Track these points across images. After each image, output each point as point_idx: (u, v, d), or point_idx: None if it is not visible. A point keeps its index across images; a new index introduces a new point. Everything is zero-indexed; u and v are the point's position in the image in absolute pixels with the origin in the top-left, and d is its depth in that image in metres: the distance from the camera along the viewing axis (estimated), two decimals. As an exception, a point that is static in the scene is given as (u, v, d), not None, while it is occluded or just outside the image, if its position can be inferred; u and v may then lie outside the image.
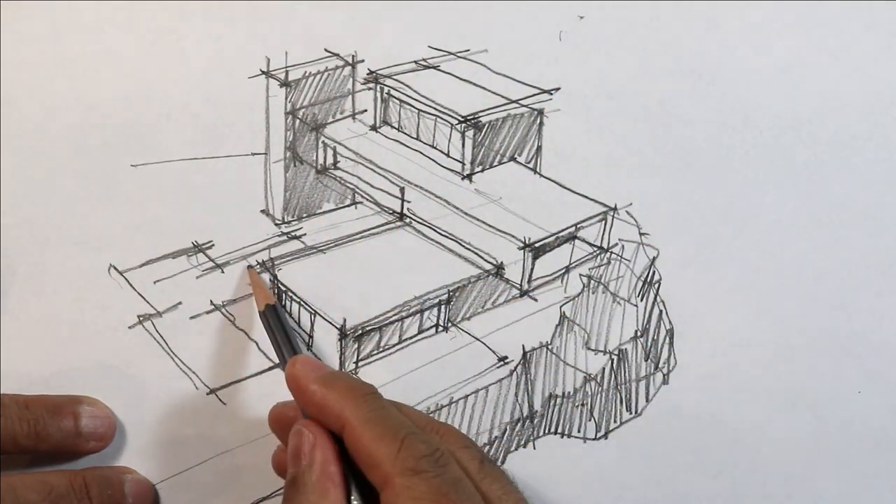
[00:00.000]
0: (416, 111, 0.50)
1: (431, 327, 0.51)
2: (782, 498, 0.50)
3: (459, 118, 0.49)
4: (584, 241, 0.50)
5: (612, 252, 0.50)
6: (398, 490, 0.37)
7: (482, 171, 0.50)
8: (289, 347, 0.46)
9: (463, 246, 0.50)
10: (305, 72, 0.49)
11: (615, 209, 0.50)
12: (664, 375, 0.51)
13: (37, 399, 0.46)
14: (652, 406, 0.51)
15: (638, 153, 0.49)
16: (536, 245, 0.50)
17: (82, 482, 0.46)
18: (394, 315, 0.50)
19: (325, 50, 0.48)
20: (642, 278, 0.50)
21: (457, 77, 0.49)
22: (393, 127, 0.51)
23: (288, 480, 0.40)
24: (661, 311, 0.50)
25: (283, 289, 0.50)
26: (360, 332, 0.49)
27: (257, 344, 0.50)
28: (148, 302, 0.49)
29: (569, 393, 0.51)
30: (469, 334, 0.51)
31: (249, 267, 0.49)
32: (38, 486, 0.45)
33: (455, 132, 0.49)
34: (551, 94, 0.49)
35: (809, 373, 0.50)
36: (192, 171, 0.48)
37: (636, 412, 0.51)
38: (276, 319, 0.46)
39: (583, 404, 0.51)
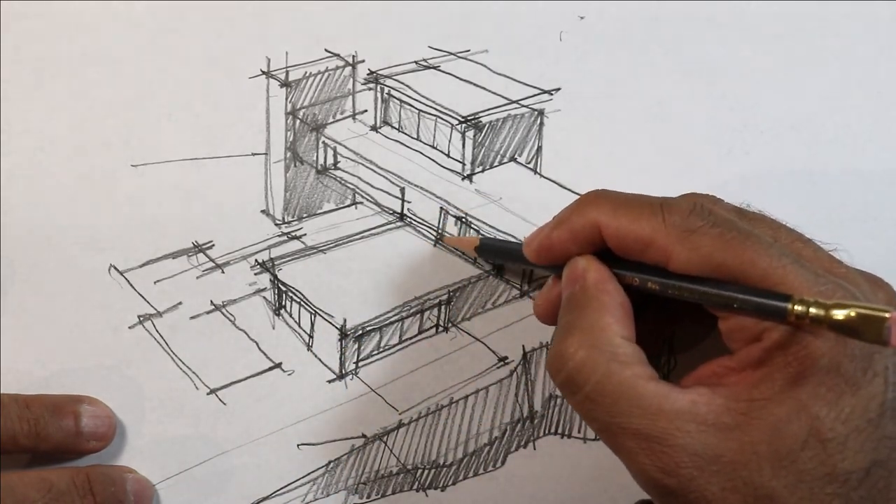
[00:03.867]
0: (417, 111, 0.50)
1: (431, 327, 0.51)
2: (782, 498, 0.50)
3: (460, 118, 0.49)
4: (584, 241, 0.50)
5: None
6: (683, 257, 0.37)
7: (482, 171, 0.50)
8: (515, 246, 0.45)
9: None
10: (306, 72, 0.49)
11: (615, 209, 0.50)
12: (664, 376, 0.51)
13: (37, 398, 0.46)
14: (652, 406, 0.51)
15: (638, 153, 0.49)
16: (536, 245, 0.50)
17: (85, 479, 0.46)
18: (394, 315, 0.50)
19: (326, 50, 0.48)
20: (642, 278, 0.50)
21: (457, 77, 0.49)
22: (393, 127, 0.51)
23: (563, 304, 0.40)
24: (661, 311, 0.50)
25: (284, 289, 0.50)
26: (360, 332, 0.49)
27: (257, 344, 0.50)
28: (148, 302, 0.49)
29: (569, 393, 0.51)
30: (469, 334, 0.51)
31: (447, 235, 0.49)
32: (38, 483, 0.45)
33: (455, 132, 0.50)
34: (551, 94, 0.49)
35: (809, 373, 0.50)
36: (192, 171, 0.48)
37: (636, 412, 0.51)
38: (492, 246, 0.47)
39: (583, 404, 0.51)
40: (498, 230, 0.50)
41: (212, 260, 0.49)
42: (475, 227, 0.50)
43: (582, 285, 0.39)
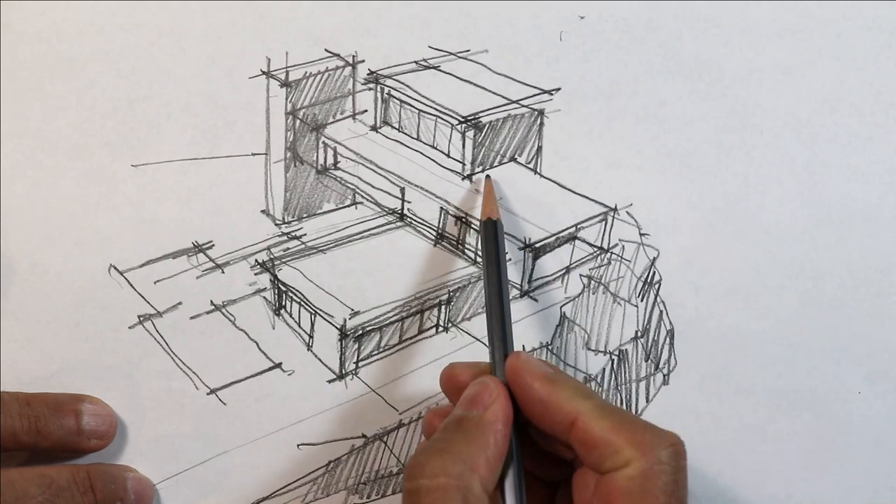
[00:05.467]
0: (417, 111, 0.50)
1: (432, 327, 0.51)
2: (782, 498, 0.50)
3: (460, 118, 0.49)
4: (584, 241, 0.50)
5: (612, 252, 0.50)
6: (652, 469, 0.38)
7: (482, 171, 0.50)
8: (502, 284, 0.45)
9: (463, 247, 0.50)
10: (306, 72, 0.49)
11: (615, 209, 0.50)
12: (664, 376, 0.51)
13: (38, 396, 0.46)
14: (652, 406, 0.51)
15: (638, 153, 0.49)
16: (536, 245, 0.50)
17: (86, 475, 0.46)
18: (394, 315, 0.50)
19: (326, 50, 0.48)
20: (642, 279, 0.50)
21: (457, 77, 0.49)
22: (393, 127, 0.51)
23: (451, 419, 0.40)
24: (661, 312, 0.50)
25: (284, 289, 0.50)
26: (360, 332, 0.49)
27: (257, 344, 0.50)
28: (148, 302, 0.49)
29: (569, 393, 0.51)
30: (469, 334, 0.51)
31: (488, 177, 0.49)
32: (38, 479, 0.45)
33: (455, 132, 0.49)
34: (551, 94, 0.49)
35: (809, 373, 0.50)
36: (192, 171, 0.48)
37: (636, 412, 0.51)
38: (494, 237, 0.46)
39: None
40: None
41: (212, 260, 0.49)
42: (475, 227, 0.50)
43: (480, 415, 0.40)
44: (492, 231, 0.46)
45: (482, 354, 0.50)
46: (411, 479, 0.38)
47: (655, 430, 0.39)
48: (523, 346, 0.50)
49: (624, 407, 0.51)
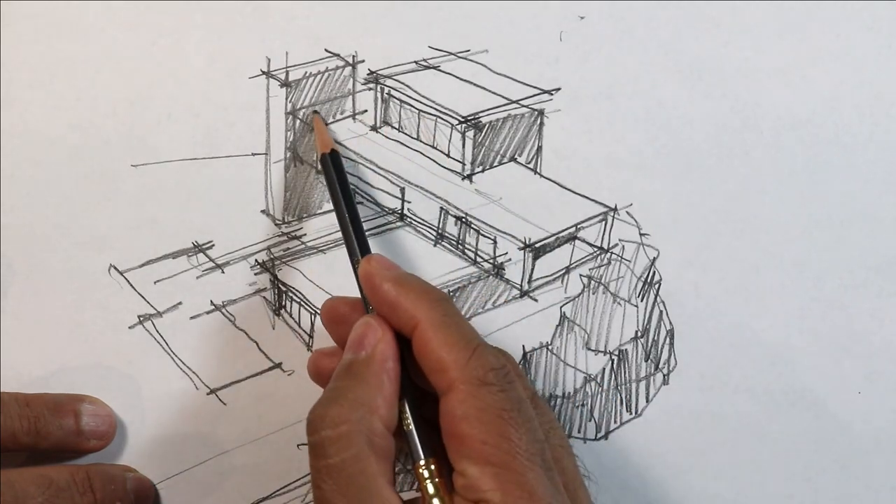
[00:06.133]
0: (417, 111, 0.50)
1: (431, 327, 0.51)
2: (782, 498, 0.50)
3: (460, 118, 0.49)
4: (584, 241, 0.50)
5: (612, 252, 0.50)
6: (463, 396, 0.37)
7: (482, 171, 0.50)
8: (351, 205, 0.45)
9: (463, 246, 0.50)
10: (306, 72, 0.49)
11: (615, 209, 0.50)
12: (664, 376, 0.51)
13: (38, 397, 0.46)
14: (652, 406, 0.51)
15: (638, 153, 0.49)
16: (537, 245, 0.50)
17: (85, 476, 0.46)
18: (394, 315, 0.50)
19: (326, 50, 0.48)
20: (642, 279, 0.50)
21: (457, 77, 0.49)
22: (393, 127, 0.51)
23: (342, 365, 0.40)
24: (661, 312, 0.50)
25: (283, 289, 0.50)
26: (360, 332, 0.49)
27: (257, 344, 0.50)
28: (148, 302, 0.49)
29: (569, 393, 0.51)
30: (469, 334, 0.50)
31: (315, 112, 0.49)
32: (38, 479, 0.44)
33: (455, 132, 0.49)
34: (551, 94, 0.49)
35: (809, 373, 0.50)
36: (192, 171, 0.48)
37: (636, 412, 0.51)
38: (340, 169, 0.46)
39: (583, 405, 0.51)
40: (498, 230, 0.50)
41: (212, 260, 0.49)
42: (475, 227, 0.50)
43: (369, 356, 0.40)
44: (336, 161, 0.46)
45: (482, 354, 0.50)
46: (313, 431, 0.38)
47: (482, 352, 0.38)
48: (523, 346, 0.50)
49: (624, 407, 0.51)
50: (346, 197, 0.45)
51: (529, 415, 0.38)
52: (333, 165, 0.46)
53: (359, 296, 0.43)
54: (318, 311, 0.49)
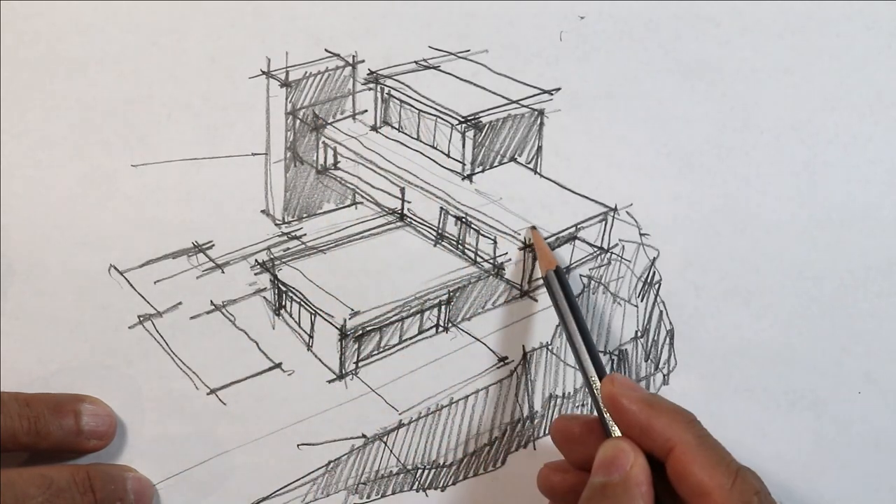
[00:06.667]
0: (417, 111, 0.50)
1: (432, 327, 0.51)
2: (782, 498, 0.50)
3: (460, 118, 0.49)
4: (584, 241, 0.50)
5: (612, 252, 0.50)
6: None
7: (482, 171, 0.50)
8: (582, 322, 0.45)
9: (463, 246, 0.50)
10: (306, 72, 0.49)
11: (615, 209, 0.50)
12: (664, 376, 0.51)
13: (38, 397, 0.46)
14: (652, 406, 0.51)
15: (638, 153, 0.49)
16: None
17: (85, 476, 0.46)
18: (394, 315, 0.50)
19: (326, 50, 0.48)
20: (642, 279, 0.50)
21: (457, 77, 0.49)
22: (393, 127, 0.51)
23: (593, 488, 0.40)
24: (661, 312, 0.50)
25: (284, 289, 0.50)
26: (360, 332, 0.49)
27: (257, 344, 0.50)
28: (148, 302, 0.49)
29: (569, 393, 0.51)
30: (469, 334, 0.51)
31: (533, 229, 0.49)
32: (38, 479, 0.45)
33: (455, 132, 0.49)
34: (551, 94, 0.49)
35: (809, 373, 0.50)
36: (192, 171, 0.48)
37: (636, 412, 0.51)
38: (565, 285, 0.47)
39: (583, 405, 0.51)
40: (498, 230, 0.50)
41: (212, 260, 0.49)
42: (475, 227, 0.50)
43: (624, 479, 0.40)
44: (560, 278, 0.47)
45: (482, 354, 0.50)
46: None
47: (745, 476, 0.39)
48: (523, 346, 0.50)
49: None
50: (576, 314, 0.45)
51: None
52: (560, 283, 0.46)
53: (588, 414, 0.44)
54: (319, 311, 0.49)
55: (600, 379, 0.43)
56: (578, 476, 0.44)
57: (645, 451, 0.41)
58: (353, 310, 0.49)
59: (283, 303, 0.50)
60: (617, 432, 0.42)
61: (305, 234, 0.50)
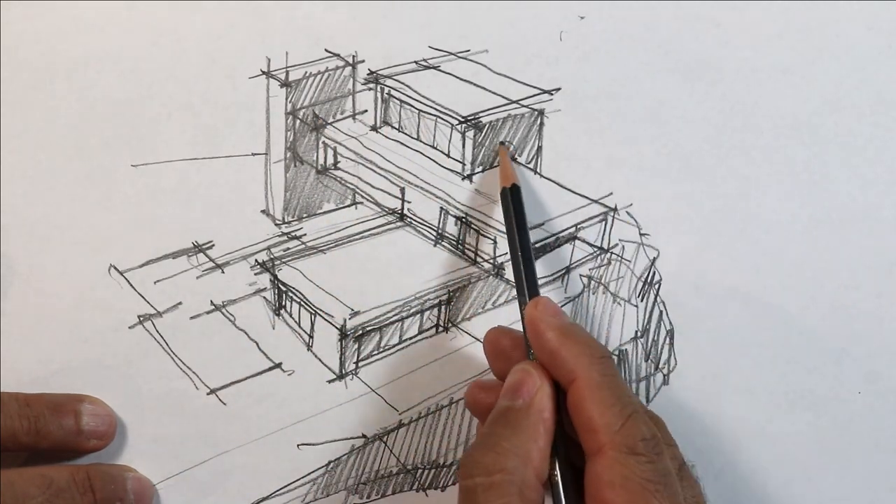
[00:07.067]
0: (417, 111, 0.50)
1: (432, 328, 0.51)
2: (782, 498, 0.50)
3: (460, 118, 0.49)
4: (584, 241, 0.50)
5: (612, 252, 0.50)
6: (610, 463, 0.37)
7: (482, 171, 0.50)
8: (526, 242, 0.45)
9: (464, 246, 0.50)
10: (306, 72, 0.49)
11: (615, 209, 0.50)
12: (664, 376, 0.51)
13: (38, 397, 0.46)
14: (652, 406, 0.51)
15: (638, 153, 0.49)
16: (536, 245, 0.50)
17: (85, 476, 0.46)
18: (394, 315, 0.50)
19: (326, 50, 0.48)
20: (642, 279, 0.50)
21: (457, 77, 0.49)
22: (393, 127, 0.51)
23: (498, 410, 0.40)
24: (661, 312, 0.50)
25: (284, 289, 0.50)
26: (360, 332, 0.49)
27: (257, 344, 0.50)
28: (148, 302, 0.49)
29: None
30: (469, 335, 0.51)
31: (502, 144, 0.49)
32: (38, 479, 0.45)
33: (455, 132, 0.49)
34: (551, 94, 0.49)
35: (809, 373, 0.50)
36: (192, 171, 0.48)
37: (636, 412, 0.51)
38: (518, 204, 0.46)
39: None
40: (498, 230, 0.50)
41: (212, 260, 0.49)
42: (475, 227, 0.50)
43: (526, 405, 0.40)
44: (515, 196, 0.46)
45: (482, 354, 0.50)
46: (467, 476, 0.38)
47: (636, 421, 0.38)
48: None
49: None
50: (521, 233, 0.45)
51: (675, 489, 0.38)
52: (513, 200, 0.46)
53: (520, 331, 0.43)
54: (319, 311, 0.49)
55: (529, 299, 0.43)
56: None
57: (554, 378, 0.40)
58: (353, 310, 0.49)
59: (283, 303, 0.50)
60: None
61: (305, 234, 0.50)
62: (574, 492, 0.39)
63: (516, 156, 0.50)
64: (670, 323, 0.50)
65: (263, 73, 0.48)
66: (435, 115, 0.49)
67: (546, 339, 0.41)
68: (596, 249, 0.50)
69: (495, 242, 0.50)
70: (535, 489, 0.38)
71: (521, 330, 0.43)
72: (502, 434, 0.39)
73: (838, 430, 0.50)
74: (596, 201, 0.50)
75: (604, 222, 0.50)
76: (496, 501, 0.37)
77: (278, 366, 0.50)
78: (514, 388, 0.40)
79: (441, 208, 0.50)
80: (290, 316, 0.50)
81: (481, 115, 0.49)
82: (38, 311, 0.48)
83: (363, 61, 0.49)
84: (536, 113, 0.49)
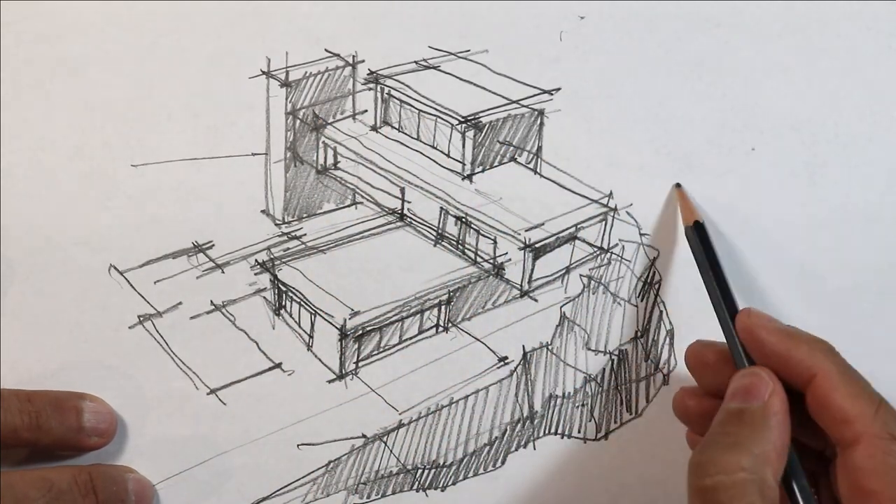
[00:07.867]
0: (417, 111, 0.50)
1: (432, 328, 0.51)
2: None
3: (460, 118, 0.49)
4: (584, 241, 0.50)
5: (612, 252, 0.50)
6: (872, 451, 0.38)
7: (482, 171, 0.50)
8: (720, 277, 0.46)
9: (464, 246, 0.50)
10: (306, 72, 0.49)
11: (615, 209, 0.50)
12: (664, 376, 0.51)
13: (39, 393, 0.46)
14: (652, 406, 0.51)
15: (638, 153, 0.49)
16: (537, 245, 0.50)
17: (87, 477, 0.46)
18: (394, 315, 0.50)
19: (326, 50, 0.48)
20: (642, 279, 0.50)
21: (457, 77, 0.49)
22: (393, 127, 0.51)
23: (730, 412, 0.40)
24: (661, 312, 0.50)
25: (284, 289, 0.50)
26: (360, 332, 0.49)
27: (257, 344, 0.50)
28: (148, 302, 0.49)
29: (569, 393, 0.51)
30: (469, 334, 0.51)
31: (678, 186, 0.49)
32: (39, 482, 0.44)
33: (455, 132, 0.49)
34: (551, 94, 0.49)
35: (809, 373, 0.50)
36: (192, 171, 0.48)
37: (636, 412, 0.51)
38: (706, 240, 0.47)
39: (583, 405, 0.51)
40: (498, 230, 0.50)
41: (212, 260, 0.49)
42: (475, 227, 0.50)
43: (764, 407, 0.40)
44: (701, 232, 0.47)
45: (482, 354, 0.50)
46: (704, 475, 0.38)
47: (889, 407, 0.39)
48: (523, 346, 0.50)
49: (624, 407, 0.51)
50: (715, 269, 0.46)
51: None
52: (700, 238, 0.47)
53: (722, 342, 0.44)
54: (319, 311, 0.49)
55: (732, 315, 0.44)
56: (712, 402, 0.44)
57: (781, 381, 0.41)
58: (353, 310, 0.49)
59: (283, 303, 0.50)
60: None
61: (305, 234, 0.50)
62: (807, 491, 0.39)
63: (516, 156, 0.50)
64: (670, 323, 0.50)
65: (263, 73, 0.48)
66: (435, 115, 0.49)
67: (772, 344, 0.41)
68: (596, 249, 0.50)
69: (495, 242, 0.50)
70: (773, 490, 0.38)
71: (723, 342, 0.44)
72: (740, 433, 0.39)
73: (838, 430, 0.50)
74: (596, 201, 0.50)
75: (604, 222, 0.50)
76: (740, 501, 0.37)
77: (278, 366, 0.50)
78: (745, 390, 0.41)
79: (441, 208, 0.50)
80: (290, 316, 0.50)
81: (481, 115, 0.49)
82: (38, 311, 0.48)
83: (363, 61, 0.49)
84: (536, 113, 0.49)
